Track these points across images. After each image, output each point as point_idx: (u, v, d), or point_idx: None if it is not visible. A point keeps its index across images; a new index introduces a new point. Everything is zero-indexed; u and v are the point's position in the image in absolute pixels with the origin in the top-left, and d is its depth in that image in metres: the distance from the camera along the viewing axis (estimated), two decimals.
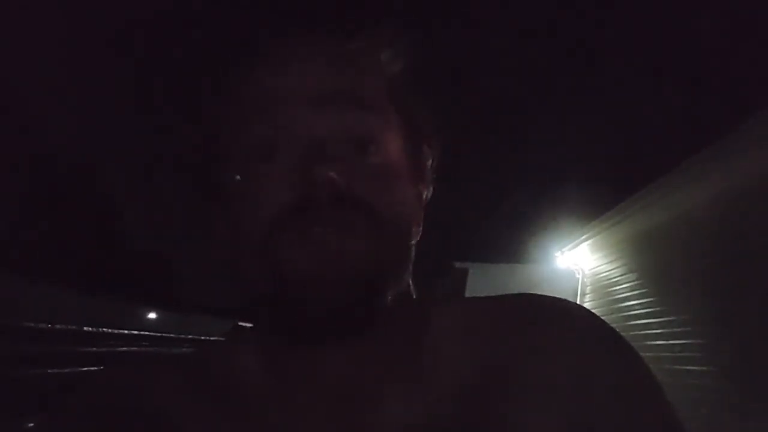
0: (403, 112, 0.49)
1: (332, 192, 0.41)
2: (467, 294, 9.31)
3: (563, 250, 8.11)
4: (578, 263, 8.08)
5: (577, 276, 8.12)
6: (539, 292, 0.52)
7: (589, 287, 7.87)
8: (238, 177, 0.45)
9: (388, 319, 0.45)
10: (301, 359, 0.46)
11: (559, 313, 0.49)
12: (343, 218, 0.42)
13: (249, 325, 0.53)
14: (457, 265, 9.83)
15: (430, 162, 0.52)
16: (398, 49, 0.50)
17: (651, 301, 5.69)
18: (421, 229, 0.50)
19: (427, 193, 0.52)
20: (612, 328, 0.49)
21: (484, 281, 9.10)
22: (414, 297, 0.50)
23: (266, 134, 0.44)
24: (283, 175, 0.43)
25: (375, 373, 0.46)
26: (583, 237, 7.44)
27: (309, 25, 0.50)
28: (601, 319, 0.50)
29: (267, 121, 0.45)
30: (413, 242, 0.48)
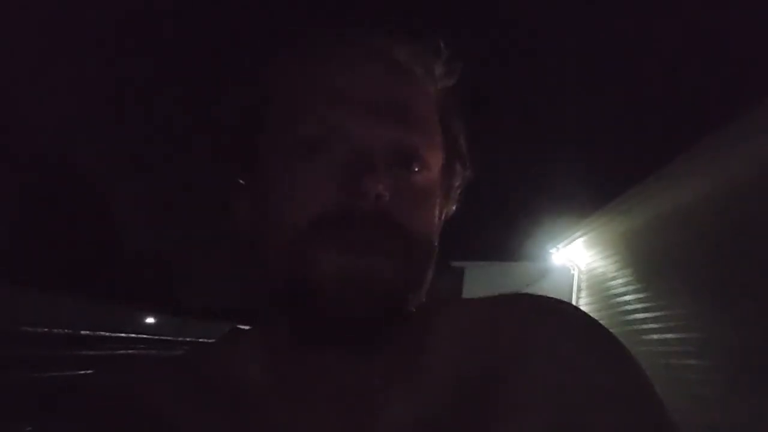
0: (447, 129, 0.50)
1: (375, 207, 0.42)
2: (464, 292, 9.29)
3: (558, 247, 8.12)
4: (573, 260, 8.09)
5: (573, 272, 8.14)
6: (535, 289, 0.54)
7: (584, 283, 7.89)
8: (280, 168, 0.45)
9: (398, 328, 0.45)
10: (304, 361, 0.47)
11: (551, 313, 0.49)
12: (382, 238, 0.42)
13: (247, 327, 0.53)
14: (454, 264, 9.82)
15: (459, 182, 0.53)
16: (452, 63, 0.50)
17: (646, 296, 5.72)
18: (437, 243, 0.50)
19: (449, 211, 0.53)
20: (603, 327, 0.50)
21: (481, 280, 9.11)
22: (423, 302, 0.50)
23: (315, 131, 0.44)
24: (327, 176, 0.43)
25: (378, 375, 0.46)
26: (578, 234, 7.45)
27: (366, 24, 0.50)
28: (593, 318, 0.51)
29: (318, 119, 0.44)
30: (434, 256, 0.48)
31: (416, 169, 0.45)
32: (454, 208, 0.54)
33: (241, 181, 0.50)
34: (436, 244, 0.48)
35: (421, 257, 0.46)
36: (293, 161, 0.44)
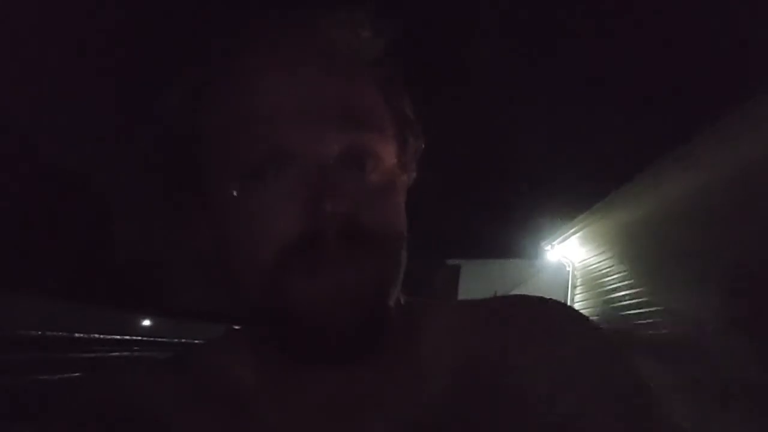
0: (394, 108, 0.48)
1: (341, 224, 0.40)
2: (460, 289, 9.31)
3: (553, 243, 8.14)
4: (568, 256, 8.12)
5: (567, 269, 8.16)
6: (530, 286, 0.56)
7: (579, 280, 7.92)
8: (233, 192, 0.43)
9: (384, 332, 0.45)
10: (295, 369, 0.47)
11: (540, 311, 0.50)
12: (353, 256, 0.41)
13: (240, 328, 0.53)
14: (450, 262, 9.84)
15: (414, 150, 0.51)
16: (384, 39, 0.48)
17: (640, 291, 5.74)
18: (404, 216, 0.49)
19: (410, 180, 0.52)
20: (592, 322, 0.50)
21: (477, 277, 9.12)
22: (402, 300, 0.50)
23: (259, 154, 0.42)
24: (283, 202, 0.42)
25: (369, 381, 0.46)
26: (572, 230, 7.48)
27: (288, 17, 0.47)
28: (583, 315, 0.51)
29: (261, 137, 0.42)
30: (406, 243, 0.47)
31: (371, 168, 0.44)
32: (414, 176, 0.52)
33: (193, 209, 0.48)
34: (405, 227, 0.47)
35: (393, 255, 0.45)
36: (242, 189, 0.42)
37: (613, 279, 6.51)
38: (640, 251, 5.94)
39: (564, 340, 0.47)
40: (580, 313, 0.51)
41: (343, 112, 0.43)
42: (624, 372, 0.46)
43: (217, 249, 0.46)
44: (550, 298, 0.52)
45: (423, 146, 0.52)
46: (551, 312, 0.50)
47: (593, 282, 7.24)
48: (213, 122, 0.45)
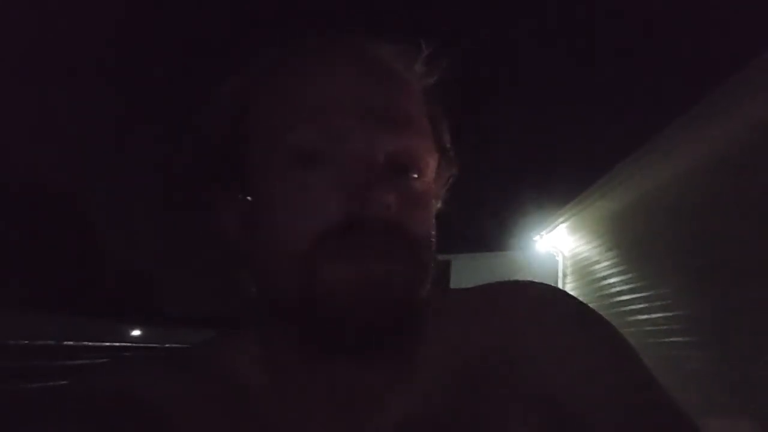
0: (436, 130, 0.50)
1: (382, 216, 0.41)
2: (452, 284, 9.32)
3: (542, 234, 8.19)
4: (557, 246, 8.17)
5: (557, 259, 8.21)
6: (521, 278, 0.54)
7: (569, 269, 7.97)
8: (274, 180, 0.44)
9: (409, 330, 0.45)
10: (305, 366, 0.47)
11: (545, 301, 0.50)
12: (389, 245, 0.42)
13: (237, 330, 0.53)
14: (440, 257, 9.87)
15: (446, 179, 0.53)
16: (434, 60, 0.50)
17: (631, 278, 5.78)
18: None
19: (437, 208, 0.53)
20: (595, 311, 0.50)
21: (467, 271, 9.16)
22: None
23: (310, 140, 0.43)
24: (330, 187, 0.42)
25: (378, 377, 0.47)
26: (561, 219, 7.52)
27: (344, 27, 0.50)
28: (576, 298, 0.51)
29: (312, 127, 0.43)
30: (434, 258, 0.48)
31: (414, 176, 0.45)
32: (440, 204, 0.54)
33: (227, 195, 0.49)
34: (434, 245, 0.48)
35: (426, 259, 0.45)
36: (288, 172, 0.43)
37: (603, 267, 6.56)
38: (629, 238, 5.98)
39: (574, 336, 0.47)
40: (586, 305, 0.51)
41: (395, 116, 0.44)
42: (629, 361, 0.46)
43: (251, 238, 0.46)
44: (558, 288, 0.53)
45: (453, 176, 0.54)
46: (560, 304, 0.50)
47: (584, 270, 7.29)
48: (263, 103, 0.46)
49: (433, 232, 0.47)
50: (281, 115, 0.44)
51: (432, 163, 0.47)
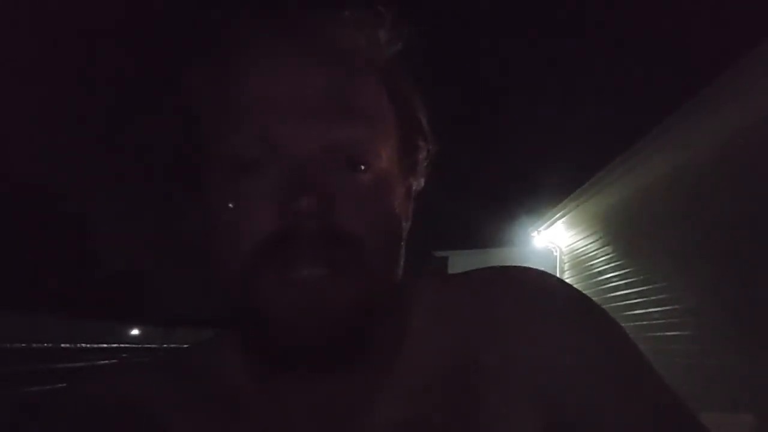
0: (400, 107, 0.47)
1: (317, 225, 0.39)
2: None
3: (539, 229, 8.19)
4: (554, 241, 8.18)
5: (555, 254, 8.22)
6: None
7: (567, 264, 7.98)
8: (218, 189, 0.42)
9: (371, 340, 0.43)
10: (284, 374, 0.46)
11: (536, 290, 0.48)
12: (328, 257, 0.39)
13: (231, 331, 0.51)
14: (437, 254, 9.88)
15: (423, 155, 0.49)
16: (393, 37, 0.46)
17: (627, 272, 5.79)
18: (409, 223, 0.48)
19: (417, 186, 0.50)
20: (589, 299, 0.49)
21: (464, 268, 9.13)
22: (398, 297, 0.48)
23: (245, 148, 0.41)
24: (263, 198, 0.40)
25: (360, 380, 0.45)
26: (558, 215, 7.52)
27: (293, 15, 0.46)
28: (570, 285, 0.50)
29: (249, 132, 0.41)
30: (402, 246, 0.46)
31: (362, 168, 0.42)
32: (422, 182, 0.51)
33: (193, 196, 0.47)
34: (401, 234, 0.45)
35: (379, 261, 0.42)
36: (229, 182, 0.42)
37: (600, 261, 6.57)
38: (625, 232, 5.99)
39: (567, 324, 0.46)
40: (580, 292, 0.50)
41: (334, 106, 0.41)
42: (632, 358, 0.45)
43: (207, 242, 0.45)
44: (551, 275, 0.50)
45: (433, 151, 0.50)
46: (553, 292, 0.48)
47: (581, 265, 7.30)
48: (208, 106, 0.45)
49: (393, 226, 0.44)
50: (219, 121, 0.43)
51: (385, 152, 0.44)
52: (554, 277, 0.50)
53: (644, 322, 5.17)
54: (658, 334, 4.89)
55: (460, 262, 9.57)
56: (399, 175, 0.46)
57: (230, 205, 0.41)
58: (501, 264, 0.53)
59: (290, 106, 0.41)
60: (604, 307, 0.49)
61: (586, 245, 7.09)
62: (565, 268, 8.00)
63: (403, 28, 0.46)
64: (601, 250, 6.57)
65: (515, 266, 0.50)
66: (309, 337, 0.40)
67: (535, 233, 8.31)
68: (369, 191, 0.42)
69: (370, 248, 0.41)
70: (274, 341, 0.41)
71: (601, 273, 6.50)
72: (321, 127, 0.41)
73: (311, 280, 0.39)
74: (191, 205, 0.47)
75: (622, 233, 6.09)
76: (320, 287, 0.39)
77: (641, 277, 5.46)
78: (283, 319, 0.39)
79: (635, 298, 5.49)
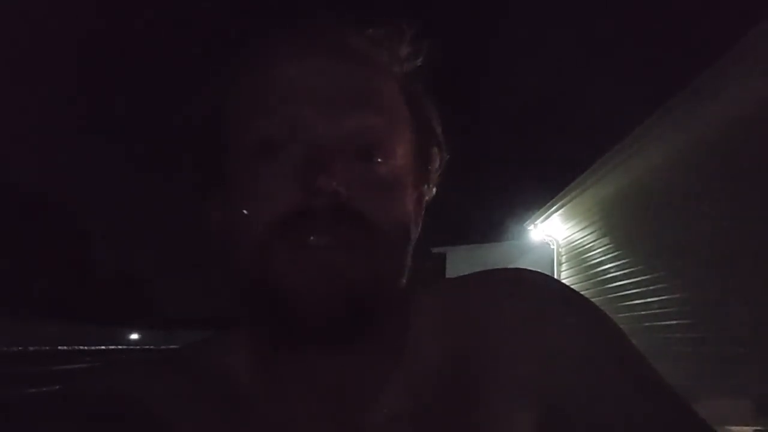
0: (416, 113, 0.49)
1: (333, 203, 0.41)
2: (447, 276, 9.32)
3: (536, 223, 8.22)
4: (551, 234, 8.20)
5: (552, 247, 8.25)
6: (516, 267, 0.53)
7: (564, 257, 8.01)
8: (242, 170, 0.45)
9: (380, 321, 0.45)
10: (288, 361, 0.47)
11: (527, 287, 0.50)
12: (342, 233, 0.41)
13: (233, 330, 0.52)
14: (435, 250, 9.90)
15: (437, 164, 0.52)
16: (416, 46, 0.50)
17: (625, 263, 5.81)
18: (418, 229, 0.50)
19: (429, 195, 0.53)
20: (579, 294, 0.50)
21: (462, 263, 9.17)
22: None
23: (269, 132, 0.44)
24: (284, 178, 0.43)
25: (364, 369, 0.47)
26: (554, 208, 7.54)
27: (323, 16, 0.49)
28: (569, 287, 0.51)
29: (271, 118, 0.44)
30: (411, 246, 0.47)
31: (379, 160, 0.44)
32: (434, 191, 0.53)
33: (212, 187, 0.49)
34: (411, 231, 0.47)
35: (390, 247, 0.44)
36: (253, 163, 0.44)
37: (597, 253, 6.59)
38: (621, 223, 6.01)
39: (558, 320, 0.47)
40: (570, 288, 0.51)
41: (354, 98, 0.44)
42: (623, 349, 0.46)
43: (226, 227, 0.47)
44: (542, 273, 0.52)
45: (445, 162, 0.52)
46: (544, 289, 0.50)
47: (578, 257, 7.32)
48: (237, 96, 0.47)
49: (404, 219, 0.46)
50: (248, 109, 0.46)
51: (402, 146, 0.46)
52: (548, 276, 0.52)
53: (642, 312, 5.19)
54: (656, 323, 4.92)
55: (458, 257, 9.59)
56: (412, 179, 0.48)
57: (255, 183, 0.44)
58: (499, 259, 0.54)
59: (315, 96, 0.44)
60: (601, 298, 0.50)
61: (583, 237, 7.11)
62: (563, 260, 8.02)
63: (424, 44, 0.50)
64: (598, 241, 6.60)
65: (510, 268, 0.52)
66: (321, 307, 0.41)
67: (532, 227, 8.34)
68: (384, 182, 0.44)
69: (382, 232, 0.43)
70: (287, 312, 0.42)
71: (598, 264, 6.52)
72: (341, 114, 0.43)
73: (325, 251, 0.41)
74: (207, 194, 0.50)
75: (618, 224, 6.11)
76: (334, 258, 0.41)
77: (638, 267, 5.48)
78: (297, 288, 0.41)
79: (632, 289, 5.51)
